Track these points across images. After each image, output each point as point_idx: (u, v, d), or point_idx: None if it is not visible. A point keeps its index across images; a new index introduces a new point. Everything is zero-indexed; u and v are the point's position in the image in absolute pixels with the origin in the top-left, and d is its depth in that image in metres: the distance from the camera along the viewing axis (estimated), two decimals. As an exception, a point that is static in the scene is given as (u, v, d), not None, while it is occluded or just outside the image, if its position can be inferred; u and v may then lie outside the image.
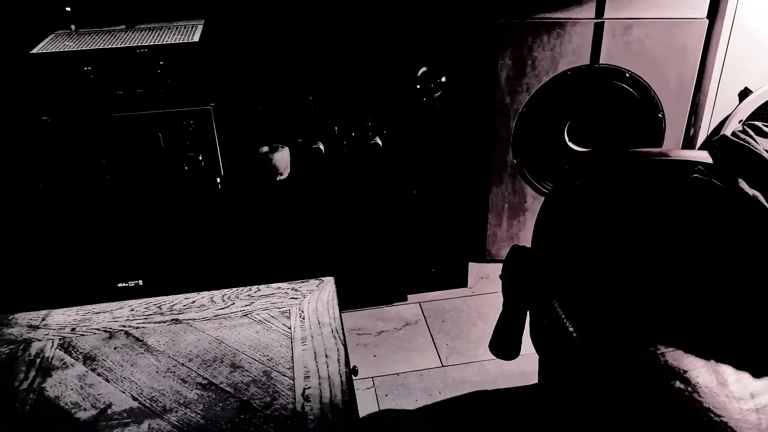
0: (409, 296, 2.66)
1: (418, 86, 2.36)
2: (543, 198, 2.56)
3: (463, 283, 2.71)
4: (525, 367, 2.21)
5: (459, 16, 2.31)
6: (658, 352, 1.46)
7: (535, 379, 2.14)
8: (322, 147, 2.33)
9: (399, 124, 2.38)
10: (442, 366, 2.31)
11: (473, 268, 2.76)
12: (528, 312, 1.84)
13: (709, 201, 1.63)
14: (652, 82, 2.47)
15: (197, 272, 2.38)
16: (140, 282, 2.37)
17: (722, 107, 2.56)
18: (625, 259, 1.74)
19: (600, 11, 2.37)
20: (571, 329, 1.58)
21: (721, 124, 2.59)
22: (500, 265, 1.85)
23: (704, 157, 1.75)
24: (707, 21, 2.39)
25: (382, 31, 2.27)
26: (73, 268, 2.30)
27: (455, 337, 2.44)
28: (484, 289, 2.71)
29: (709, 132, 2.62)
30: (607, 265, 1.75)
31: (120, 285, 2.37)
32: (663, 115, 2.53)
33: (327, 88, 2.30)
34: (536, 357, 1.96)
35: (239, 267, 2.41)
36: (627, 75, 2.45)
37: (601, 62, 2.44)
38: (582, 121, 2.58)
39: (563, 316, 1.61)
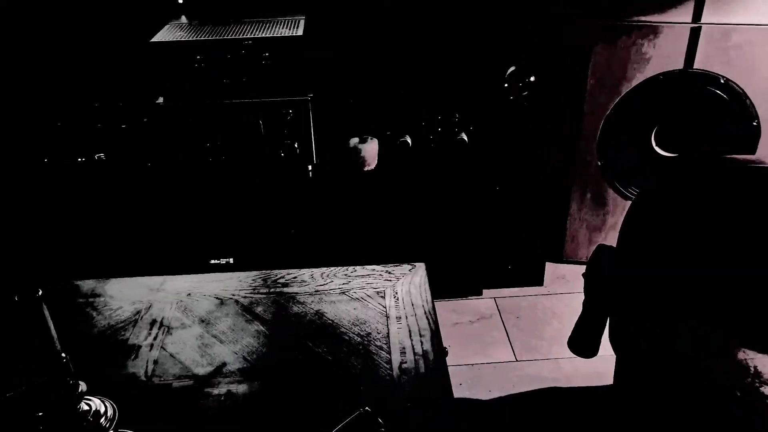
0: (484, 291, 2.71)
1: (506, 85, 2.40)
2: (626, 202, 2.56)
3: (538, 281, 2.74)
4: (601, 368, 2.21)
5: (552, 16, 2.33)
6: (747, 358, 1.46)
7: (610, 380, 2.14)
8: (409, 140, 2.41)
9: (485, 121, 2.43)
10: (516, 361, 2.34)
11: (549, 267, 2.78)
12: (609, 312, 1.86)
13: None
14: (747, 88, 2.42)
15: (284, 254, 2.51)
16: (231, 260, 2.52)
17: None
18: (713, 265, 1.73)
19: (697, 16, 2.35)
20: (659, 331, 1.59)
21: (820, 135, 2.51)
22: (577, 267, 1.88)
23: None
24: (812, 28, 2.34)
25: (472, 29, 2.33)
26: (172, 242, 2.47)
27: (529, 334, 2.47)
28: (560, 289, 2.72)
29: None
30: (693, 270, 1.74)
31: (212, 261, 2.52)
32: (758, 123, 2.47)
33: (417, 84, 2.38)
34: (613, 358, 1.97)
35: (324, 251, 2.52)
36: (722, 81, 2.42)
37: (695, 67, 2.41)
38: (671, 126, 2.55)
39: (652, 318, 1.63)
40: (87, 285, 1.49)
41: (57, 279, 1.50)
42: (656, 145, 2.59)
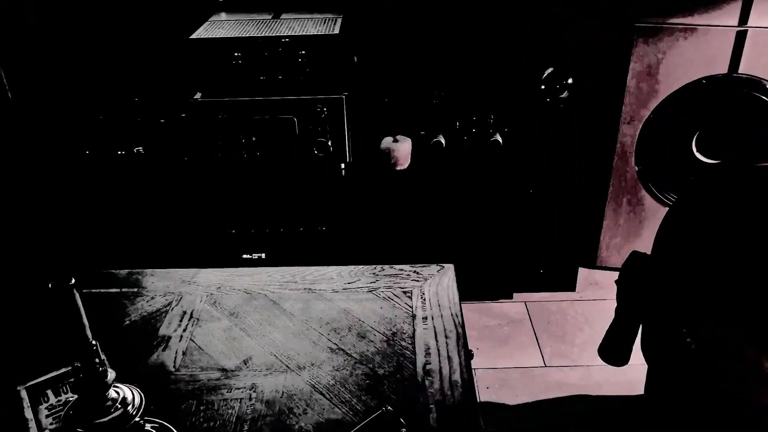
0: (514, 294, 2.68)
1: (543, 86, 2.37)
2: (663, 208, 2.50)
3: (571, 287, 2.70)
4: (631, 377, 2.17)
5: (592, 17, 2.30)
6: (784, 372, 1.41)
7: (641, 390, 2.10)
8: (443, 140, 2.40)
9: (520, 122, 2.40)
10: (545, 366, 2.32)
11: (582, 273, 2.74)
12: (641, 320, 1.82)
13: None
14: (796, 95, 2.35)
15: (314, 251, 2.52)
16: (263, 255, 2.55)
17: None
18: (752, 275, 1.68)
19: (744, 18, 2.28)
20: (689, 340, 1.55)
21: None
22: (610, 273, 1.85)
23: None
24: None
25: (510, 29, 2.31)
26: (205, 236, 2.51)
27: (560, 340, 2.44)
28: (592, 295, 2.68)
29: None
30: (731, 279, 1.69)
31: (245, 256, 2.56)
32: (806, 130, 2.39)
33: (452, 84, 2.37)
34: (644, 367, 1.93)
35: (353, 249, 2.53)
36: (768, 86, 2.35)
37: (740, 71, 2.34)
38: (713, 132, 2.49)
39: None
40: (121, 275, 1.52)
41: (92, 268, 1.54)
42: (697, 151, 2.53)
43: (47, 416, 1.11)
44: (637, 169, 2.57)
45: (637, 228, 2.70)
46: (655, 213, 2.63)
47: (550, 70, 2.36)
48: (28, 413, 1.11)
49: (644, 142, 2.51)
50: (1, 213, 2.32)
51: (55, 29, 2.33)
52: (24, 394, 1.14)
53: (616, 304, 1.84)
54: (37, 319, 1.35)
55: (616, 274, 1.84)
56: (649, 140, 2.51)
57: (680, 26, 2.32)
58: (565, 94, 2.36)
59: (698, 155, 2.53)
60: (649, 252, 1.81)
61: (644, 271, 1.76)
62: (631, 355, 1.84)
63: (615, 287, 1.83)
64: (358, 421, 1.12)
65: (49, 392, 1.15)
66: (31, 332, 1.32)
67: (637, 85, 2.42)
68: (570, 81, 2.35)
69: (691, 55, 2.34)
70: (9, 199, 2.31)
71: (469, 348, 1.33)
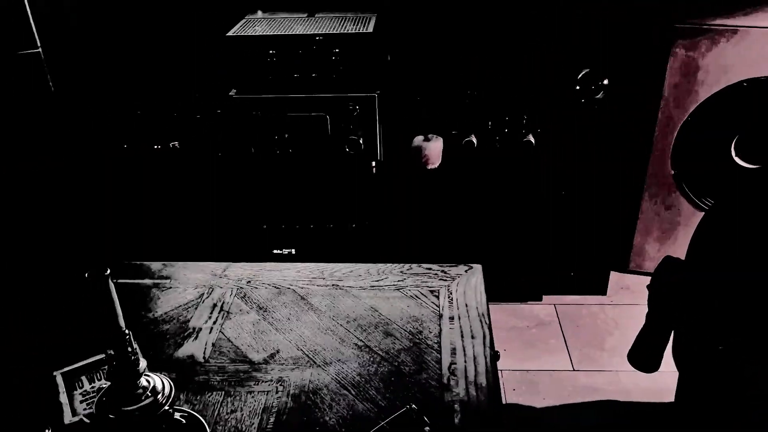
0: (544, 296, 2.66)
1: (578, 87, 2.35)
2: (699, 213, 2.45)
3: (601, 290, 2.66)
4: (661, 384, 2.14)
5: (629, 17, 2.26)
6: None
7: (671, 397, 2.06)
8: (474, 140, 2.39)
9: (554, 123, 2.38)
10: (573, 370, 2.29)
11: (613, 277, 2.70)
12: (673, 326, 1.79)
13: None
14: (841, 99, 2.27)
15: (343, 247, 2.54)
16: (293, 251, 2.58)
17: None
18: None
19: (789, 20, 2.22)
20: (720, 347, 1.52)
21: None
22: (642, 277, 1.82)
23: None
24: None
25: (546, 28, 2.28)
26: (237, 230, 2.55)
27: (589, 344, 2.41)
28: (624, 299, 2.64)
29: None
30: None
31: (275, 251, 2.59)
32: None
33: (484, 83, 2.35)
34: (675, 374, 1.90)
35: (382, 246, 2.54)
36: (813, 90, 2.28)
37: (783, 74, 2.28)
38: (753, 136, 2.43)
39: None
40: (154, 266, 1.56)
41: (127, 259, 1.58)
42: (736, 155, 2.47)
43: (81, 402, 1.14)
44: (673, 172, 2.52)
45: (671, 232, 2.65)
46: (691, 218, 2.57)
47: (585, 70, 2.33)
48: (63, 398, 1.14)
49: (681, 145, 2.46)
50: (38, 204, 2.39)
51: (96, 24, 2.38)
52: (59, 379, 1.18)
53: (647, 310, 1.82)
54: (74, 307, 1.39)
55: (648, 279, 1.81)
56: (687, 143, 2.46)
57: (721, 28, 2.27)
58: (600, 95, 2.33)
59: (737, 159, 2.47)
60: (683, 257, 1.78)
61: (678, 277, 1.73)
62: (662, 362, 1.81)
63: (647, 292, 1.81)
64: (383, 418, 1.12)
65: (84, 378, 1.19)
66: (68, 320, 1.36)
67: (675, 87, 2.38)
68: (606, 82, 2.32)
69: (732, 58, 2.28)
70: (44, 190, 2.38)
71: (496, 349, 1.33)
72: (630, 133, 2.45)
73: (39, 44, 2.19)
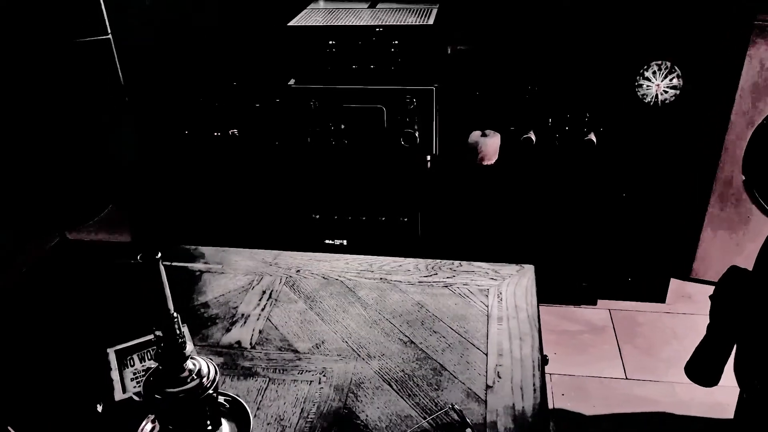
0: (599, 301, 2.58)
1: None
2: (771, 222, 2.32)
3: (660, 298, 2.56)
4: (720, 399, 2.04)
5: (701, 13, 2.15)
6: None
7: (730, 414, 1.97)
8: (533, 137, 2.33)
9: (617, 122, 2.30)
10: (626, 378, 2.22)
11: (674, 284, 2.59)
12: (736, 340, 1.70)
13: None
14: None
15: (393, 240, 2.53)
16: (344, 242, 2.59)
17: None
18: None
19: None
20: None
21: None
22: (705, 286, 1.74)
23: None
24: None
25: (612, 23, 2.20)
26: (291, 218, 2.58)
27: (644, 352, 2.32)
28: (683, 308, 2.53)
29: None
30: None
31: (327, 242, 2.60)
32: None
33: (546, 79, 2.29)
34: (736, 390, 1.81)
35: (433, 241, 2.51)
36: None
37: None
38: (835, 143, 2.28)
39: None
40: (207, 251, 1.59)
41: (181, 243, 1.61)
42: (815, 163, 2.32)
43: (131, 380, 1.17)
44: (743, 178, 2.39)
45: (739, 241, 2.52)
46: (761, 227, 2.44)
47: (654, 67, 2.23)
48: (115, 375, 1.18)
49: (755, 149, 2.33)
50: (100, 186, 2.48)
51: (161, 13, 2.44)
52: (112, 356, 1.21)
53: (708, 321, 1.73)
54: (130, 288, 1.43)
55: (711, 289, 1.73)
56: (761, 147, 2.33)
57: (805, 25, 2.13)
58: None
59: (816, 167, 2.33)
60: (750, 268, 1.68)
61: (744, 288, 1.64)
62: (724, 376, 1.73)
63: (709, 302, 1.72)
64: (424, 417, 1.11)
65: (135, 357, 1.22)
66: (124, 299, 1.40)
67: (750, 87, 2.25)
68: (675, 80, 2.22)
69: (816, 58, 2.15)
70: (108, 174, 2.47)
71: (545, 353, 1.29)
72: (698, 134, 2.34)
73: (109, 30, 2.26)
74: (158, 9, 2.44)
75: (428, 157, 2.35)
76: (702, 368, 1.77)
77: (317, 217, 2.55)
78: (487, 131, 2.36)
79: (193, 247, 1.60)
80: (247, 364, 1.24)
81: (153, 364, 1.14)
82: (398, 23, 2.17)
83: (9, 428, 1.04)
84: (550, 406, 2.11)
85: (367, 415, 1.12)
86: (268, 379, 1.20)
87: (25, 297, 1.47)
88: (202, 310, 1.39)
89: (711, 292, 1.73)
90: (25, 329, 1.36)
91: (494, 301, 1.40)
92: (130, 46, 2.36)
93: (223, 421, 1.08)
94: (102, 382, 1.16)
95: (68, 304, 1.42)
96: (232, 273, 1.52)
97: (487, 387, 1.18)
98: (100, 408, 1.12)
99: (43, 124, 2.23)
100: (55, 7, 2.16)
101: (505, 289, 1.44)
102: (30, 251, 1.62)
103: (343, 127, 2.30)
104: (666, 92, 2.21)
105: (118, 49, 2.33)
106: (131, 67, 2.39)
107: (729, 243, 2.54)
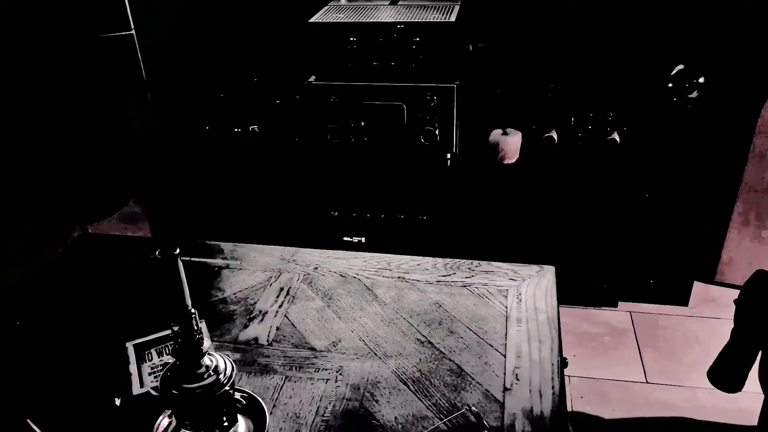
0: (619, 303, 2.54)
1: (671, 85, 2.21)
2: (800, 225, 2.26)
3: (683, 301, 2.52)
4: (743, 405, 2.00)
5: (731, 10, 2.10)
6: None
7: (753, 421, 1.93)
8: (555, 136, 2.31)
9: (642, 122, 2.26)
10: (647, 382, 2.18)
11: (698, 287, 2.55)
12: (761, 346, 1.67)
13: None
14: None
15: (412, 239, 2.52)
16: (363, 239, 2.58)
17: None
18: None
19: None
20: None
21: None
22: (729, 290, 1.70)
23: None
24: None
25: (637, 21, 2.16)
26: (309, 215, 2.58)
27: (666, 356, 2.29)
28: (707, 312, 2.49)
29: None
30: None
31: (345, 239, 2.60)
32: None
33: (569, 77, 2.26)
34: (760, 396, 1.77)
35: (451, 240, 2.50)
36: None
37: None
38: None
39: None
40: (226, 247, 1.59)
41: (200, 238, 1.62)
42: None
43: (149, 374, 1.18)
44: (771, 180, 2.34)
45: (765, 245, 2.47)
46: (789, 230, 2.39)
47: (680, 67, 2.19)
48: (133, 369, 1.18)
49: (783, 151, 2.28)
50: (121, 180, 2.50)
51: (183, 9, 2.45)
52: (131, 350, 1.22)
53: (732, 325, 1.70)
54: (149, 282, 1.44)
55: (735, 293, 1.69)
56: (789, 149, 2.28)
57: (838, 24, 2.08)
58: (694, 94, 2.19)
59: None
60: (777, 273, 1.65)
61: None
62: (748, 382, 1.69)
63: (733, 306, 1.69)
64: (440, 418, 1.10)
65: (153, 352, 1.22)
66: (143, 294, 1.41)
67: (780, 87, 2.20)
68: (702, 80, 2.17)
69: None
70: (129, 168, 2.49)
71: (564, 355, 1.27)
72: (725, 136, 2.29)
73: (132, 26, 2.27)
74: (181, 6, 2.45)
75: (448, 155, 2.33)
76: (725, 373, 1.73)
77: (336, 214, 2.55)
78: (509, 130, 2.33)
79: (212, 242, 1.61)
80: (264, 361, 1.24)
81: (171, 359, 1.14)
82: (420, 20, 2.15)
83: (28, 421, 1.05)
84: (569, 409, 2.08)
85: (383, 415, 1.11)
86: (284, 376, 1.20)
87: (46, 290, 1.48)
88: (220, 306, 1.39)
89: (736, 296, 1.70)
90: (45, 322, 1.38)
91: (513, 302, 1.39)
92: (152, 43, 2.37)
93: (240, 417, 1.08)
94: (120, 376, 1.17)
95: (89, 298, 1.44)
96: (251, 269, 1.52)
97: (505, 389, 1.16)
98: (118, 402, 1.12)
99: (66, 118, 2.25)
100: (80, 3, 2.18)
101: (525, 290, 1.42)
102: (52, 245, 1.64)
103: (362, 124, 2.30)
104: (692, 93, 2.17)
105: (141, 45, 2.34)
106: (153, 63, 2.40)
107: (756, 246, 2.49)
